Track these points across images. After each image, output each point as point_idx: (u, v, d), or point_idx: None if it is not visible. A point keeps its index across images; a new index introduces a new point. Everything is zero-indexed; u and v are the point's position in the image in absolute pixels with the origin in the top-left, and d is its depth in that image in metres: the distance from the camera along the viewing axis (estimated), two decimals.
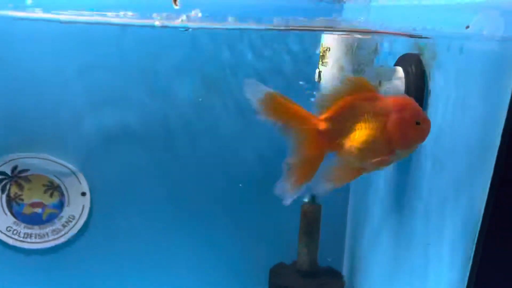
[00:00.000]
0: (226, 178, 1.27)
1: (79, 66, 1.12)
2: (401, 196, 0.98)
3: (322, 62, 0.89)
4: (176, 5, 0.59)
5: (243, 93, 1.10)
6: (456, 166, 0.75)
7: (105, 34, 1.08)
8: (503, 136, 0.61)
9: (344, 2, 1.11)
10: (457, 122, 0.73)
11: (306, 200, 1.20)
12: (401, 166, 0.94)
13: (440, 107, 0.77)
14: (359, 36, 0.85)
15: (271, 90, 0.63)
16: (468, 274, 0.68)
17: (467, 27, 0.63)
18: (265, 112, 0.62)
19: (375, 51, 0.86)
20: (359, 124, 0.63)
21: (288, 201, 0.65)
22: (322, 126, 0.63)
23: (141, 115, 1.19)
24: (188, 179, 1.26)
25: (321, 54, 0.89)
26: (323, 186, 0.66)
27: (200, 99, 1.14)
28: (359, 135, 0.63)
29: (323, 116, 0.64)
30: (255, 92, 0.62)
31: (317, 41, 0.91)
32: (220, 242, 1.33)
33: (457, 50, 0.74)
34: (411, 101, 0.64)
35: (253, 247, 1.33)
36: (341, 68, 0.87)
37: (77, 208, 1.23)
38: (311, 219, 1.20)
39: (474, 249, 0.67)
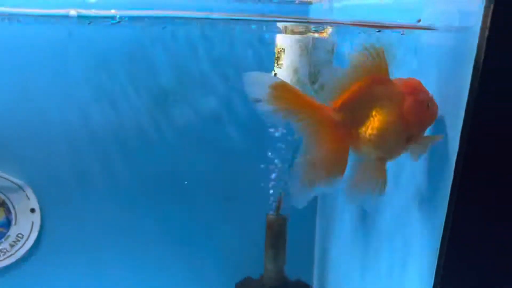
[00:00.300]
0: (186, 190, 1.21)
1: (22, 73, 1.04)
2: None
3: (277, 64, 0.84)
4: None
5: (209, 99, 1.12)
6: (418, 171, 0.72)
7: (48, 38, 1.01)
8: (461, 135, 0.57)
9: (311, 3, 1.09)
10: None
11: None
12: None
13: None
14: (315, 35, 0.81)
15: (278, 79, 0.58)
16: (433, 282, 0.65)
17: (419, 20, 0.58)
18: (273, 104, 0.55)
19: (332, 51, 0.81)
20: (374, 110, 0.58)
21: (301, 204, 0.58)
22: (336, 115, 0.57)
23: (92, 125, 1.12)
24: (144, 191, 1.19)
25: (276, 55, 0.84)
26: (356, 196, 0.61)
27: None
28: (377, 121, 0.58)
29: (335, 105, 0.58)
30: (260, 84, 0.55)
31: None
32: (183, 256, 1.26)
33: (414, 48, 0.71)
34: (420, 83, 0.62)
35: (218, 261, 1.27)
36: (297, 70, 0.82)
37: (26, 226, 1.14)
38: (276, 231, 1.14)
39: (438, 255, 0.64)
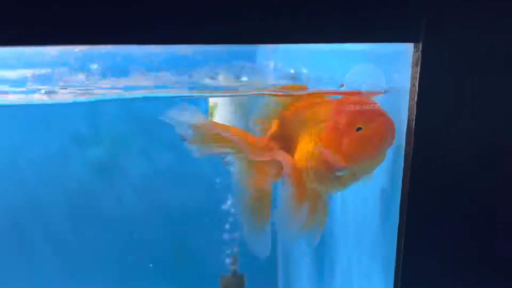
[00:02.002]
0: (134, 250, 1.13)
1: None
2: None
3: (211, 115, 0.78)
4: None
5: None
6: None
7: None
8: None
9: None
10: None
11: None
12: None
13: None
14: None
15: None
16: None
17: (342, 85, 0.52)
18: (200, 141, 0.52)
19: None
20: (300, 137, 0.52)
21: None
22: (271, 144, 0.53)
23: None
24: (93, 251, 1.12)
25: (209, 111, 0.78)
26: (294, 228, 0.54)
27: None
28: (300, 149, 0.52)
29: (268, 134, 0.54)
30: (190, 117, 0.52)
31: None
32: None
33: None
34: (353, 102, 0.50)
35: None
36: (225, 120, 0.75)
37: None
38: None
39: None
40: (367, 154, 0.50)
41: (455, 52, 0.45)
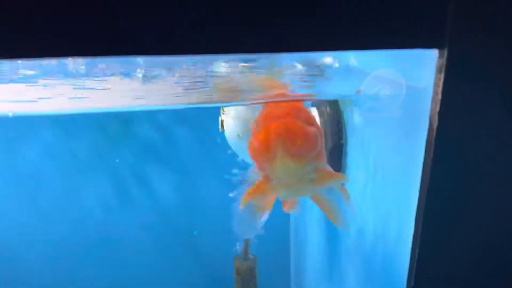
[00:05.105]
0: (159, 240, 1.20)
1: None
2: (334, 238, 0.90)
3: (223, 111, 0.81)
4: None
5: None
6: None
7: None
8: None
9: None
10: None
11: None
12: None
13: (358, 146, 0.73)
14: None
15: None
16: None
17: (358, 91, 0.50)
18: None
19: None
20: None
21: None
22: None
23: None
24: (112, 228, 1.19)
25: (222, 111, 0.80)
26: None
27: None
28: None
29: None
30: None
31: None
32: None
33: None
34: (286, 110, 0.58)
35: None
36: (239, 117, 0.78)
37: None
38: (244, 274, 1.06)
39: None
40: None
41: (484, 59, 0.42)
